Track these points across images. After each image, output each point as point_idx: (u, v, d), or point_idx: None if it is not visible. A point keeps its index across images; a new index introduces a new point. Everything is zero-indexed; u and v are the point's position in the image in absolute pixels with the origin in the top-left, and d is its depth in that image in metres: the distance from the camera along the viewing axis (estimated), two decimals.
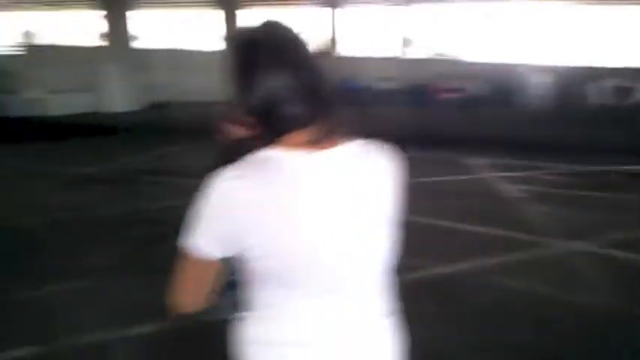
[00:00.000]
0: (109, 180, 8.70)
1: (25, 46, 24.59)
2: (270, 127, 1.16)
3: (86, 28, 25.06)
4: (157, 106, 19.49)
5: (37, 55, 22.80)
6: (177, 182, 7.88)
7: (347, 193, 1.17)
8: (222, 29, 25.18)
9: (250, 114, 1.17)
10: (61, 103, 18.23)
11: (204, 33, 27.71)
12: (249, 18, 25.54)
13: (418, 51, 25.54)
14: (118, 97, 19.32)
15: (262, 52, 1.15)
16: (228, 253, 1.18)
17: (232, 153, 1.20)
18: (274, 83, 1.13)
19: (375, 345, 1.26)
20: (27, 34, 25.64)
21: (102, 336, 3.69)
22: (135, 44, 21.94)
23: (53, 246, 5.44)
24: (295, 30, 1.20)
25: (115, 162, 10.16)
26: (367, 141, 1.24)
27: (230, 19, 25.23)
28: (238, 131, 1.24)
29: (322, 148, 1.16)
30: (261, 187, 1.12)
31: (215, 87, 13.40)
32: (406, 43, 25.82)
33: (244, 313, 1.26)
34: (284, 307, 1.19)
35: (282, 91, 1.13)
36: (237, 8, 25.24)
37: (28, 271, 4.79)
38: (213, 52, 24.18)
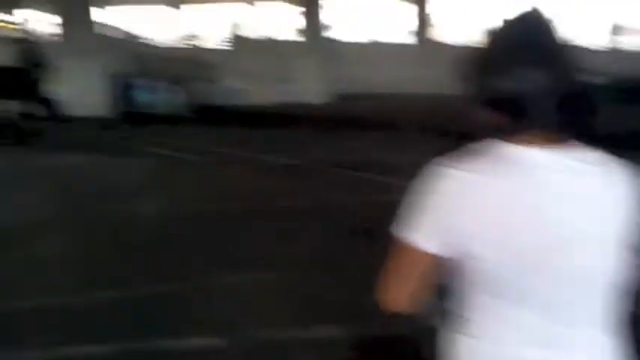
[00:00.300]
0: (301, 170, 8.86)
1: (229, 38, 26.55)
2: (515, 123, 1.08)
3: (285, 21, 26.38)
4: (347, 98, 19.76)
5: (240, 46, 24.43)
6: (369, 177, 7.74)
7: (582, 201, 1.07)
8: (412, 21, 24.84)
9: (495, 108, 1.10)
10: (260, 93, 19.27)
11: (395, 25, 27.65)
12: (439, 9, 24.92)
13: (634, 40, 22.75)
14: (311, 89, 19.94)
15: (521, 46, 1.09)
16: (446, 251, 1.10)
17: (463, 142, 1.13)
18: (529, 81, 1.06)
19: None
20: (232, 26, 27.67)
21: (283, 333, 3.61)
22: (329, 37, 22.52)
23: (245, 235, 5.56)
24: (553, 23, 1.13)
25: (307, 153, 10.36)
26: (602, 150, 1.13)
27: (421, 10, 24.77)
28: (479, 122, 1.15)
29: (558, 148, 1.08)
30: (495, 182, 1.06)
31: (404, 80, 13.07)
32: (619, 30, 23.14)
33: (455, 324, 1.17)
34: (501, 319, 1.10)
35: (536, 90, 1.06)
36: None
37: (218, 259, 4.91)
38: (403, 45, 23.88)
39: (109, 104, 15.79)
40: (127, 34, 25.00)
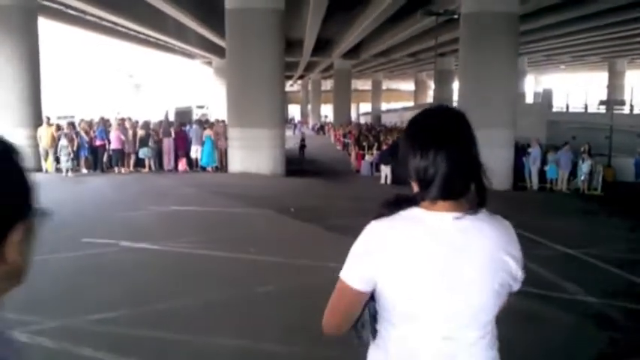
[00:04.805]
0: None
1: None
2: (425, 192, 1.45)
3: None
4: None
5: None
6: None
7: (472, 255, 1.44)
8: None
9: (414, 179, 1.49)
10: None
11: None
12: None
13: None
14: None
15: (429, 134, 1.48)
16: (368, 288, 1.46)
17: (394, 206, 1.48)
18: (429, 163, 1.43)
19: None
20: None
21: None
22: None
23: None
24: (464, 115, 1.52)
25: None
26: (491, 214, 1.50)
27: None
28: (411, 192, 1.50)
29: (457, 213, 1.44)
30: (403, 237, 1.44)
31: None
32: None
33: (376, 341, 1.54)
34: (405, 335, 1.46)
35: (431, 170, 1.43)
36: None
37: None
38: None
39: None
40: None
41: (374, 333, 1.54)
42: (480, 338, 1.48)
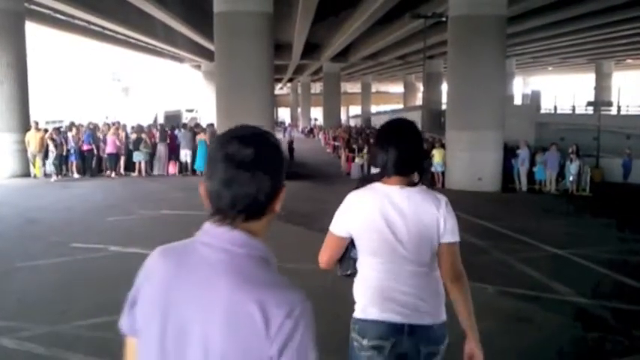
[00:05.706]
0: None
1: None
2: (382, 172, 2.26)
3: None
4: None
5: None
6: None
7: (408, 212, 2.21)
8: None
9: (380, 165, 2.28)
10: None
11: None
12: None
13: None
14: None
15: (385, 136, 2.33)
16: (345, 234, 2.28)
17: (364, 183, 2.32)
18: (385, 154, 2.23)
19: (418, 288, 2.23)
20: None
21: None
22: None
23: None
24: (412, 123, 2.38)
25: None
26: (428, 189, 2.29)
27: None
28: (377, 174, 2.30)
29: (402, 186, 2.24)
30: (367, 201, 2.25)
31: None
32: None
33: (357, 275, 2.32)
34: (372, 267, 2.25)
35: (386, 158, 2.23)
36: None
37: None
38: None
39: None
40: None
41: (354, 269, 2.32)
42: (421, 271, 2.23)
